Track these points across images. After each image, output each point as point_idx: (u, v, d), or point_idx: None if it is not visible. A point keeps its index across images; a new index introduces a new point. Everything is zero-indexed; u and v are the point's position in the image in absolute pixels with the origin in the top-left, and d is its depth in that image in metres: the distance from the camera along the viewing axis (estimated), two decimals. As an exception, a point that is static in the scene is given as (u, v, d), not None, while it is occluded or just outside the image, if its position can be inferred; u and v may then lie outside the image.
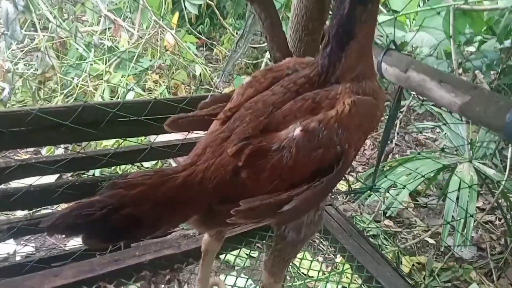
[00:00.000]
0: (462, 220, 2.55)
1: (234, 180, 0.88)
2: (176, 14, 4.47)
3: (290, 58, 1.12)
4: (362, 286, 1.71)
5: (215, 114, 1.04)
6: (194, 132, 1.69)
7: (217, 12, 4.75)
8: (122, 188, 0.80)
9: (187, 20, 4.55)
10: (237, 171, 0.87)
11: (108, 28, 4.32)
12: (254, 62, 4.86)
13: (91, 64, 4.01)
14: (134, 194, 0.80)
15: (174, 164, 2.57)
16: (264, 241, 1.91)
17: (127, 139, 1.60)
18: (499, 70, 2.99)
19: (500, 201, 2.95)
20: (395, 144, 3.79)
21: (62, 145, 2.40)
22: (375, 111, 0.99)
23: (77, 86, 3.88)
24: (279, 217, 0.87)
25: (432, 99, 1.30)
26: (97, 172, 2.96)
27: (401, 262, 2.92)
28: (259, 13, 1.42)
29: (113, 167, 2.75)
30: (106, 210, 0.76)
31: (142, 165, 3.14)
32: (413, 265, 2.94)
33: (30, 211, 2.30)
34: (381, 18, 2.93)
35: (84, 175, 2.77)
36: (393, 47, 1.50)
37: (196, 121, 1.08)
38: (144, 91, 4.05)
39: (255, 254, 2.48)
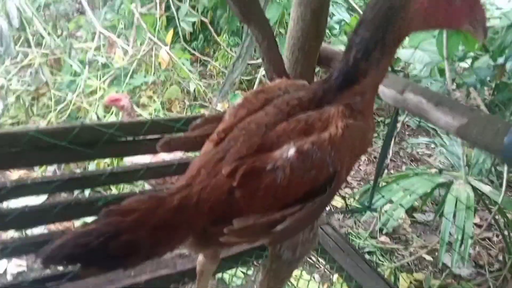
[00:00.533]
0: (460, 237, 2.54)
1: (229, 201, 0.88)
2: (171, 31, 4.49)
3: (281, 80, 1.13)
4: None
5: (207, 134, 1.04)
6: (189, 151, 1.69)
7: (211, 29, 4.78)
8: (118, 215, 0.79)
9: (181, 36, 4.57)
10: (232, 191, 0.87)
11: (103, 45, 4.32)
12: (249, 78, 4.88)
13: (85, 81, 4.00)
14: (130, 221, 0.80)
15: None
16: (260, 260, 1.89)
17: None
18: (493, 86, 3.02)
19: (497, 217, 2.95)
20: (390, 159, 3.80)
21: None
22: (366, 136, 1.00)
23: (71, 102, 3.86)
24: (272, 237, 0.88)
25: (429, 121, 1.31)
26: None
27: (399, 279, 2.90)
28: (256, 34, 1.42)
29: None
30: (103, 238, 0.75)
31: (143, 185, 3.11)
32: (410, 282, 2.91)
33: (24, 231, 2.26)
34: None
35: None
36: (389, 69, 1.51)
37: (188, 142, 1.09)
38: (138, 106, 4.03)
39: (251, 272, 2.46)
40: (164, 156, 2.33)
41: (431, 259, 3.14)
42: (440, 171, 2.76)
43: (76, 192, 2.85)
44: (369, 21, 0.93)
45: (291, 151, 0.87)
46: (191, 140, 1.08)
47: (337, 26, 3.84)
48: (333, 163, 0.90)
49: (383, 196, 2.54)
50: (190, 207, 0.86)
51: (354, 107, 0.96)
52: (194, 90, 4.52)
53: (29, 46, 4.30)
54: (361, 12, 3.54)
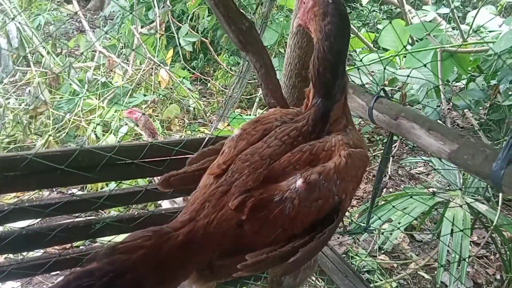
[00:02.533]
0: (457, 256, 2.53)
1: (237, 234, 0.88)
2: (171, 51, 4.54)
3: (275, 109, 1.16)
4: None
5: (205, 168, 1.06)
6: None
7: (211, 48, 4.83)
8: (122, 253, 0.79)
9: (181, 56, 4.62)
10: (240, 224, 0.88)
11: (102, 64, 4.36)
12: (248, 97, 4.91)
13: (84, 99, 4.02)
14: (135, 259, 0.79)
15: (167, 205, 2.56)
16: (259, 282, 1.88)
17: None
18: (487, 107, 3.06)
19: (493, 235, 2.95)
20: (390, 177, 3.81)
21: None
22: (366, 162, 1.05)
23: (69, 121, 3.87)
24: (285, 268, 0.90)
25: (421, 146, 1.34)
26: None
27: (397, 299, 2.88)
28: (254, 62, 1.46)
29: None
30: (107, 278, 0.74)
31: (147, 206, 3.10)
32: (409, 302, 2.89)
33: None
34: (371, 56, 3.01)
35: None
36: (383, 95, 1.54)
37: (187, 177, 1.10)
38: (137, 126, 4.04)
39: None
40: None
41: (430, 278, 3.13)
42: (434, 194, 2.77)
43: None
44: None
45: (298, 182, 0.89)
46: (190, 175, 1.09)
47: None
48: (338, 192, 0.93)
49: (379, 218, 2.55)
50: (196, 242, 0.86)
51: (346, 125, 1.05)
52: (194, 109, 4.55)
53: (28, 65, 4.34)
54: (358, 33, 3.60)
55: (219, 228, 0.88)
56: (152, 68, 4.24)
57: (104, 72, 4.33)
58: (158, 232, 0.85)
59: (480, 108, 3.28)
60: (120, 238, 2.49)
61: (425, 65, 2.25)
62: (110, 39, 5.06)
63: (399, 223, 2.77)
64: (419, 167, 4.15)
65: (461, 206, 2.50)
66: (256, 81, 4.67)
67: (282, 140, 0.99)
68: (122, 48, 4.72)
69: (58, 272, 2.91)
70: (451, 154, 1.19)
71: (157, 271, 0.81)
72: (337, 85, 1.04)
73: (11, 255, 2.25)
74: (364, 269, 3.07)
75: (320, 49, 1.01)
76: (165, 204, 2.52)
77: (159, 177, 2.37)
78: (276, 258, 0.87)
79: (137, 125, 3.93)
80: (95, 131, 3.77)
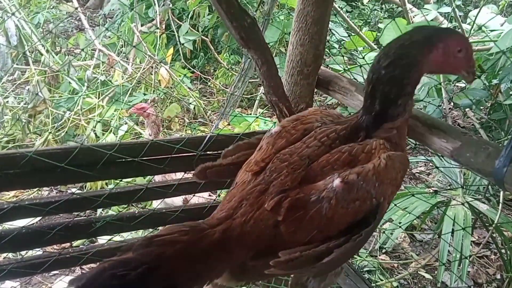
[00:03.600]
0: (458, 256, 2.53)
1: (273, 234, 0.88)
2: (171, 49, 4.52)
3: (315, 109, 1.16)
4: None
5: (240, 162, 1.06)
6: (189, 172, 1.69)
7: (212, 47, 4.82)
8: (158, 246, 0.78)
9: (181, 54, 4.61)
10: (276, 225, 0.87)
11: (102, 63, 4.34)
12: (249, 96, 4.90)
13: (84, 98, 4.00)
14: (171, 253, 0.78)
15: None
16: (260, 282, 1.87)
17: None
18: (488, 106, 3.05)
19: (494, 235, 2.94)
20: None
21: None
22: (407, 165, 1.04)
23: (68, 120, 3.85)
24: (318, 268, 0.88)
25: (424, 144, 1.33)
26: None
27: (398, 299, 2.88)
28: (256, 59, 1.45)
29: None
30: (141, 269, 0.73)
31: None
32: (410, 301, 2.89)
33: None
34: (373, 55, 3.00)
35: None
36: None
37: (222, 170, 1.10)
38: (137, 124, 4.04)
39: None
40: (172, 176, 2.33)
41: (431, 277, 3.12)
42: (436, 192, 2.76)
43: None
44: (388, 77, 1.00)
45: (336, 181, 0.88)
46: (225, 169, 1.10)
47: (336, 46, 3.88)
48: (377, 194, 0.91)
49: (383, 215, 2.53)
50: (232, 239, 0.85)
51: (392, 140, 1.02)
52: (194, 108, 4.53)
53: (27, 63, 4.32)
54: (359, 33, 3.59)
55: (256, 228, 0.87)
56: (152, 67, 4.22)
57: (103, 71, 4.31)
58: (195, 228, 0.83)
59: (481, 107, 3.27)
60: (120, 237, 2.47)
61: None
62: (109, 37, 5.04)
63: (399, 222, 2.76)
64: (420, 167, 4.15)
65: (462, 204, 2.49)
66: (257, 80, 4.67)
67: (321, 141, 0.99)
68: (122, 47, 4.70)
69: (57, 272, 2.91)
70: (454, 151, 1.18)
71: (191, 268, 0.80)
72: (386, 115, 1.03)
73: (10, 255, 2.24)
74: (365, 269, 3.06)
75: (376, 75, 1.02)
76: (158, 177, 2.48)
77: (159, 175, 2.40)
78: (310, 257, 0.86)
79: (137, 124, 3.93)
80: (94, 130, 3.75)
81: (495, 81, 2.93)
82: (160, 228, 2.66)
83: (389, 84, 1.00)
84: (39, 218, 2.49)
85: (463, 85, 3.35)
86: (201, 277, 0.83)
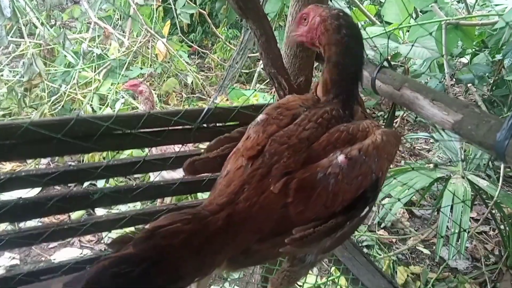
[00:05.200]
0: (457, 231, 2.54)
1: (281, 216, 0.87)
2: (168, 22, 4.43)
3: (292, 96, 1.17)
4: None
5: (226, 154, 1.06)
6: (186, 145, 1.66)
7: (209, 20, 4.72)
8: (162, 238, 0.75)
9: (179, 28, 4.52)
10: (284, 206, 0.87)
11: (98, 36, 4.25)
12: (247, 71, 4.84)
13: (80, 72, 3.94)
14: (176, 245, 0.75)
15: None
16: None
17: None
18: (491, 82, 3.01)
19: (493, 211, 2.95)
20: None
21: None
22: (400, 140, 1.08)
23: (65, 93, 3.80)
24: (331, 242, 0.91)
25: (424, 117, 1.33)
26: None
27: (396, 272, 2.91)
28: (254, 30, 1.41)
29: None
30: (145, 265, 0.70)
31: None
32: (408, 275, 2.92)
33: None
34: (374, 30, 2.94)
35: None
36: (386, 65, 1.50)
37: (209, 163, 1.10)
38: (134, 99, 3.98)
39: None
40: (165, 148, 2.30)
41: (429, 252, 3.15)
42: (436, 166, 2.75)
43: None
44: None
45: (340, 157, 0.90)
46: (212, 161, 1.09)
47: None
48: (376, 169, 0.94)
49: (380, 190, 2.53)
50: (237, 225, 0.84)
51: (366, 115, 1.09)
52: (192, 83, 4.47)
53: (22, 36, 4.23)
54: (360, 6, 3.51)
55: (262, 212, 0.86)
56: (148, 41, 4.14)
57: (99, 44, 4.23)
58: (197, 216, 0.81)
59: (484, 84, 3.23)
60: (117, 209, 2.44)
61: (430, 33, 2.18)
62: (105, 10, 4.92)
63: (398, 198, 2.76)
64: (420, 143, 4.14)
65: (462, 177, 2.49)
66: (256, 54, 4.60)
67: (317, 123, 1.00)
68: (118, 20, 4.60)
69: (56, 244, 2.93)
70: (455, 124, 1.17)
71: (196, 257, 0.78)
72: (356, 93, 1.10)
73: (9, 227, 2.24)
74: (363, 244, 3.09)
75: (340, 61, 1.05)
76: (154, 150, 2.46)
77: (156, 148, 2.37)
78: (322, 232, 0.87)
79: (134, 98, 3.88)
80: (91, 104, 3.70)
81: (498, 57, 2.88)
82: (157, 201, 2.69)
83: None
84: (38, 190, 2.47)
85: (466, 60, 3.31)
86: (206, 265, 0.82)
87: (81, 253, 2.84)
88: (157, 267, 0.71)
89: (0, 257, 2.74)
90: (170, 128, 1.52)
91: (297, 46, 1.62)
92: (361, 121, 1.02)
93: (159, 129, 1.51)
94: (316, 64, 1.72)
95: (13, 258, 2.72)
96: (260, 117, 1.06)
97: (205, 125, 1.57)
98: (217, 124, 1.59)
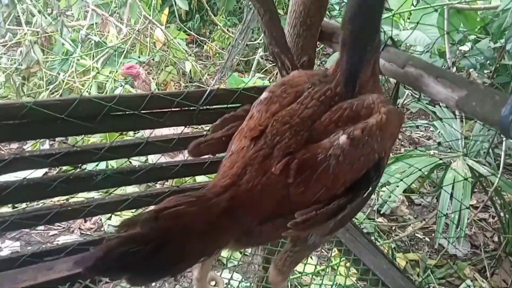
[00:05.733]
0: (457, 217, 2.55)
1: (281, 197, 0.86)
2: (166, 10, 4.39)
3: (298, 72, 1.12)
4: (358, 282, 1.71)
5: (232, 134, 1.03)
6: (189, 127, 1.66)
7: (208, 8, 4.69)
8: (167, 219, 0.75)
9: (177, 16, 4.48)
10: (286, 187, 0.86)
11: (96, 23, 4.22)
12: (246, 59, 4.81)
13: (78, 60, 3.90)
14: (181, 227, 0.76)
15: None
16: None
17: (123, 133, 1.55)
18: (493, 69, 3.01)
19: (493, 198, 2.97)
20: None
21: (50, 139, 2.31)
22: (402, 119, 1.04)
23: (63, 81, 3.77)
24: (333, 225, 0.88)
25: (429, 95, 1.32)
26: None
27: (395, 259, 2.92)
28: (258, 8, 1.39)
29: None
30: (152, 245, 0.71)
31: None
32: (407, 262, 2.94)
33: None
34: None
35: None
36: (390, 43, 1.49)
37: (215, 143, 1.08)
38: (132, 87, 3.96)
39: (248, 251, 2.45)
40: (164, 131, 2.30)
41: (428, 240, 3.17)
42: (439, 144, 2.74)
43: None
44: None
45: (342, 138, 0.87)
46: (217, 142, 1.07)
47: (337, 7, 3.78)
48: (379, 149, 0.91)
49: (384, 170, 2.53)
50: (240, 207, 0.84)
51: (373, 88, 1.02)
52: (190, 71, 4.45)
53: (19, 24, 4.19)
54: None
55: (263, 193, 0.85)
56: (147, 28, 4.11)
57: (97, 32, 4.19)
58: (201, 198, 0.81)
59: (486, 71, 3.23)
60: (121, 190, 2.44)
61: (435, 10, 2.15)
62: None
63: (397, 186, 2.76)
64: (421, 131, 4.14)
65: (463, 160, 2.49)
66: (254, 42, 4.58)
67: (320, 101, 0.96)
68: (116, 7, 4.56)
69: (56, 232, 2.93)
70: (459, 101, 1.16)
71: (200, 239, 0.78)
72: (365, 63, 1.02)
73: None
74: (363, 231, 3.09)
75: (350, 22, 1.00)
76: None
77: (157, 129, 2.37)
78: (324, 215, 0.85)
79: (132, 86, 3.86)
80: (89, 92, 3.68)
81: (500, 42, 2.87)
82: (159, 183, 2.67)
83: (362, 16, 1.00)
84: (43, 172, 2.46)
85: (466, 48, 3.30)
86: (210, 247, 0.82)
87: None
88: (163, 248, 0.72)
89: (1, 244, 2.74)
90: (172, 109, 1.52)
91: (300, 25, 1.61)
92: (367, 96, 0.98)
93: (161, 110, 1.51)
94: (321, 47, 1.71)
95: (13, 247, 2.72)
96: (264, 95, 1.04)
97: (207, 106, 1.57)
98: (220, 106, 1.59)
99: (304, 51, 1.64)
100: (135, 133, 2.93)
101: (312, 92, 0.99)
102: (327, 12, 1.71)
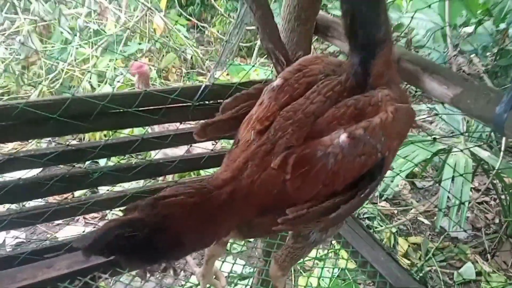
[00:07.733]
0: (457, 202, 2.55)
1: (280, 192, 0.86)
2: (165, -5, 4.33)
3: (316, 57, 1.09)
4: (356, 272, 1.73)
5: (241, 115, 1.02)
6: (185, 123, 1.65)
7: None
8: (165, 207, 0.77)
9: (176, 1, 4.42)
10: (283, 183, 0.86)
11: (94, 11, 4.17)
12: (248, 45, 4.76)
13: (77, 48, 3.88)
14: (179, 215, 0.77)
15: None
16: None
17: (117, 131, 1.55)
18: (495, 52, 2.96)
19: (495, 181, 2.96)
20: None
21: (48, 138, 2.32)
22: (413, 117, 1.01)
23: (62, 71, 3.75)
24: (324, 224, 0.89)
25: (424, 90, 1.31)
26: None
27: (397, 242, 2.95)
28: (250, 3, 1.36)
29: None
30: (149, 230, 0.72)
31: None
32: (408, 245, 2.96)
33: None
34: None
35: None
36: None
37: (223, 125, 1.06)
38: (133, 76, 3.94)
39: (251, 239, 2.48)
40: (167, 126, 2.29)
41: (429, 223, 3.18)
42: (435, 140, 2.74)
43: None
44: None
45: (342, 136, 0.86)
46: (225, 123, 1.05)
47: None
48: (382, 149, 0.89)
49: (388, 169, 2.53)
50: (239, 201, 0.84)
51: (389, 80, 0.98)
52: (191, 58, 4.41)
53: (16, 12, 4.15)
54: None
55: (263, 188, 0.86)
56: (146, 15, 4.06)
57: (95, 19, 4.15)
58: (201, 190, 0.82)
59: (488, 53, 3.17)
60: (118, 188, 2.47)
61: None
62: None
63: (400, 170, 2.76)
64: (422, 115, 4.10)
65: (461, 150, 2.48)
66: (255, 27, 4.51)
67: (326, 96, 0.95)
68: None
69: (61, 222, 2.97)
70: (454, 98, 1.15)
71: (198, 229, 0.80)
72: (373, 32, 0.97)
73: (13, 206, 2.26)
74: (365, 216, 3.11)
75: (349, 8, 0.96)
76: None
77: (155, 126, 2.37)
78: (316, 213, 0.85)
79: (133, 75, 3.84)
80: (89, 81, 3.67)
81: (503, 26, 2.82)
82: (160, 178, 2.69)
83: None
84: (39, 171, 2.49)
85: (470, 30, 3.24)
86: (208, 237, 0.84)
87: (85, 231, 2.89)
88: (159, 234, 0.74)
89: (6, 235, 2.79)
90: (167, 106, 1.51)
91: (294, 20, 1.58)
92: (377, 92, 0.95)
93: (156, 107, 1.50)
94: (316, 38, 1.68)
95: (17, 237, 2.76)
96: (277, 81, 1.01)
97: (203, 102, 1.56)
98: (216, 101, 1.58)
99: (299, 46, 1.61)
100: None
101: (321, 86, 0.97)
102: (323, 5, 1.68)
